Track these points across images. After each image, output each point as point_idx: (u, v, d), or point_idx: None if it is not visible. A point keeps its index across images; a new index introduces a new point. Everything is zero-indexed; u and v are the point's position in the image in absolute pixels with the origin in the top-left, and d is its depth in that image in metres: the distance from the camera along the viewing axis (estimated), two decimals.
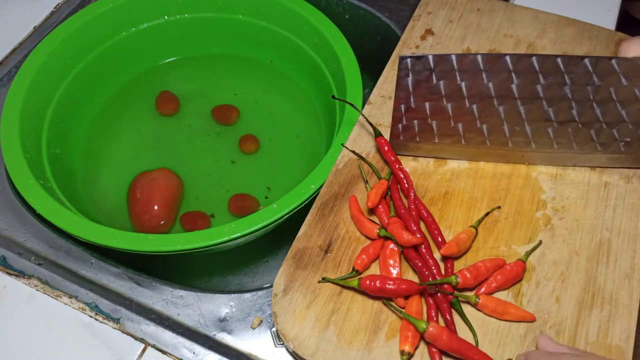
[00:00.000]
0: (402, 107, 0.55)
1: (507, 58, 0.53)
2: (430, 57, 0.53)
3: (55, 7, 0.79)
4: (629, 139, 0.54)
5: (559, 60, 0.52)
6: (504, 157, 0.57)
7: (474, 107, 0.54)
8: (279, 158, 0.77)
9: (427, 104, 0.55)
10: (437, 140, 0.56)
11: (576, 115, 0.53)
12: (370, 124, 0.57)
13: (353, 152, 0.59)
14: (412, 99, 0.55)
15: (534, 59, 0.52)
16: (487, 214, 0.53)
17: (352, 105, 0.61)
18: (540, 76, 0.52)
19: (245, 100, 0.82)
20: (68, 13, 0.78)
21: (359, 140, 0.60)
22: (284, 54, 0.81)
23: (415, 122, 0.56)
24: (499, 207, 0.54)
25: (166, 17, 0.80)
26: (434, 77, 0.54)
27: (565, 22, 0.68)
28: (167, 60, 0.85)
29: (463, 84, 0.54)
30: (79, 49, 0.74)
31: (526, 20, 0.68)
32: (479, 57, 0.53)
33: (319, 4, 0.79)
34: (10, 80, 0.70)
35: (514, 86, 0.53)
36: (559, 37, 0.66)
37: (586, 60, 0.51)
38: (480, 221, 0.53)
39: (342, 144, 0.60)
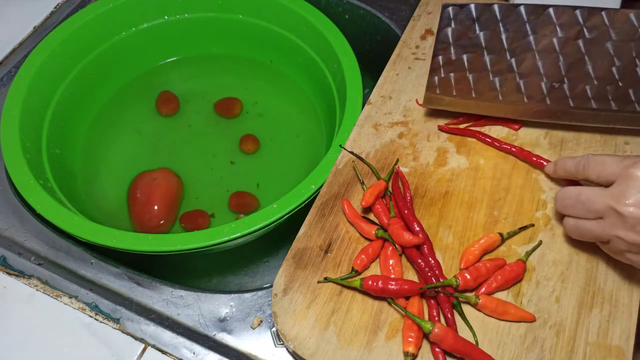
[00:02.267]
0: (440, 59, 0.54)
1: (551, 10, 0.51)
2: (473, 6, 0.52)
3: (55, 7, 0.79)
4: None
5: (603, 13, 0.50)
6: (539, 114, 0.56)
7: (513, 60, 0.53)
8: (279, 158, 0.77)
9: (465, 57, 0.54)
10: (474, 95, 0.55)
11: (616, 73, 0.52)
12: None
13: (352, 152, 0.59)
14: (452, 50, 0.53)
15: (577, 11, 0.50)
16: (522, 229, 0.52)
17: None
18: (585, 30, 0.50)
19: (245, 100, 0.82)
20: (68, 13, 0.78)
21: (359, 141, 0.60)
22: (284, 54, 0.81)
23: (452, 75, 0.54)
24: (533, 225, 0.53)
25: (166, 17, 0.80)
26: (477, 27, 0.52)
27: None
28: (167, 60, 0.85)
29: (504, 36, 0.52)
30: (79, 49, 0.74)
31: None
32: (522, 8, 0.51)
33: (319, 4, 0.79)
34: (10, 80, 0.70)
35: (555, 40, 0.51)
36: None
37: (632, 15, 0.49)
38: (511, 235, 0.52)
39: (341, 146, 0.60)
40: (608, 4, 0.53)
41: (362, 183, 0.56)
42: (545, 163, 0.55)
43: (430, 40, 0.67)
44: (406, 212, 0.52)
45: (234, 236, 0.55)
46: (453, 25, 0.52)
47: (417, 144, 0.59)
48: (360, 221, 0.53)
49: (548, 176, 0.56)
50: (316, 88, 0.79)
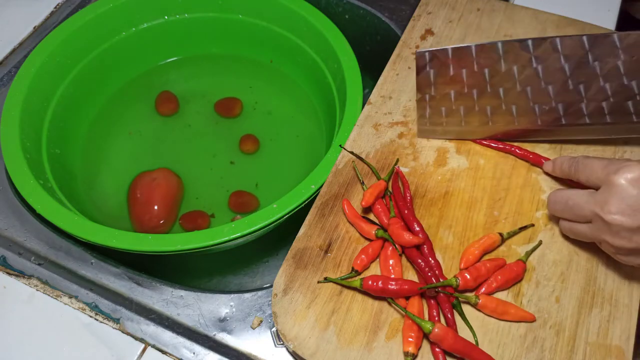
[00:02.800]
0: (426, 97, 0.56)
1: (529, 42, 0.51)
2: (449, 51, 0.52)
3: (55, 7, 0.79)
4: None
5: (584, 38, 0.50)
6: (533, 134, 0.57)
7: (500, 90, 0.54)
8: (279, 158, 0.77)
9: (451, 92, 0.55)
10: (463, 125, 0.57)
11: (608, 89, 0.52)
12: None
13: (352, 152, 0.59)
14: (433, 90, 0.55)
15: (557, 39, 0.50)
16: (522, 229, 0.53)
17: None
18: (562, 57, 0.51)
19: (245, 100, 0.82)
20: (68, 13, 0.78)
21: (359, 141, 0.60)
22: (284, 54, 0.81)
23: (443, 108, 0.56)
24: (533, 225, 0.53)
25: (166, 17, 0.80)
26: (452, 69, 0.53)
27: (565, 22, 0.68)
28: (167, 60, 0.85)
29: (486, 71, 0.53)
30: (79, 49, 0.74)
31: (526, 20, 0.68)
32: (499, 44, 0.52)
33: (319, 4, 0.79)
34: (10, 80, 0.70)
35: (538, 68, 0.52)
36: None
37: (615, 37, 0.49)
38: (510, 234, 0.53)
39: (341, 146, 0.60)
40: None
41: (362, 183, 0.56)
42: (543, 161, 0.56)
43: (431, 40, 0.67)
44: (406, 212, 0.52)
45: (234, 236, 0.55)
46: (429, 68, 0.54)
47: (417, 144, 0.59)
48: (360, 221, 0.53)
49: (548, 176, 0.56)
50: (316, 88, 0.79)
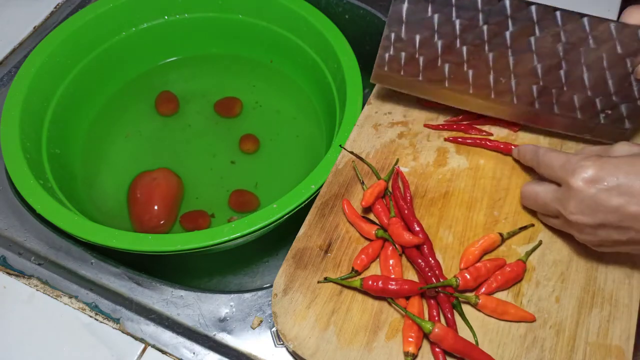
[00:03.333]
0: (392, 35, 0.54)
1: (507, 2, 0.50)
2: None
3: (55, 7, 0.79)
4: (610, 112, 0.52)
5: (557, 13, 0.49)
6: (484, 108, 0.56)
7: (464, 48, 0.53)
8: (279, 158, 0.77)
9: (417, 37, 0.53)
10: (421, 78, 0.55)
11: (563, 76, 0.52)
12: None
13: (352, 152, 0.59)
14: (403, 29, 0.53)
15: (533, 7, 0.49)
16: (522, 229, 0.53)
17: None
18: (537, 27, 0.50)
19: (245, 100, 0.82)
20: (68, 13, 0.78)
21: (359, 141, 0.60)
22: (284, 54, 0.81)
23: (403, 54, 0.54)
24: (533, 225, 0.53)
25: (166, 17, 0.80)
26: (430, 9, 0.52)
27: None
28: (167, 60, 0.85)
29: (457, 22, 0.52)
30: (79, 49, 0.74)
31: None
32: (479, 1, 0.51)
33: (319, 4, 0.79)
34: (10, 80, 0.70)
35: (507, 34, 0.51)
36: None
37: (585, 20, 0.49)
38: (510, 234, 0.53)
39: (341, 146, 0.60)
40: (607, 7, 0.52)
41: (362, 183, 0.56)
42: (512, 147, 0.56)
43: None
44: (406, 212, 0.52)
45: (234, 236, 0.55)
46: (407, 2, 0.52)
47: (417, 144, 0.59)
48: (360, 221, 0.53)
49: None
50: (316, 88, 0.79)
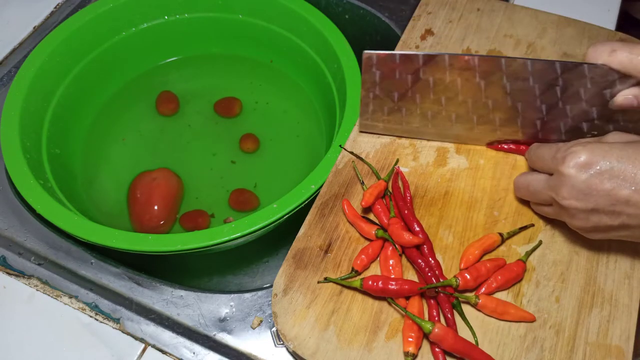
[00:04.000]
0: (370, 95, 0.55)
1: (475, 59, 0.51)
2: (397, 56, 0.52)
3: (55, 7, 0.79)
4: (596, 133, 0.53)
5: (528, 62, 0.50)
6: (471, 140, 0.58)
7: (442, 98, 0.54)
8: (279, 158, 0.77)
9: (394, 93, 0.55)
10: (404, 125, 0.58)
11: (544, 110, 0.53)
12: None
13: (351, 153, 0.59)
14: (377, 89, 0.55)
15: (502, 60, 0.51)
16: (522, 229, 0.53)
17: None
18: (504, 77, 0.51)
19: (245, 100, 0.82)
20: (68, 13, 0.78)
21: (359, 141, 0.60)
22: (284, 54, 0.81)
23: (385, 108, 0.56)
24: (533, 225, 0.53)
25: (166, 17, 0.80)
26: (398, 73, 0.53)
27: (565, 22, 0.68)
28: (167, 60, 0.85)
29: (430, 79, 0.53)
30: (79, 49, 0.74)
31: (526, 20, 0.68)
32: (446, 57, 0.52)
33: (319, 4, 0.79)
34: (10, 80, 0.70)
35: (481, 82, 0.52)
36: (559, 37, 0.66)
37: (557, 65, 0.50)
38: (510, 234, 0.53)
39: (341, 146, 0.60)
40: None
41: (362, 183, 0.56)
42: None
43: (430, 40, 0.67)
44: (406, 212, 0.52)
45: (234, 236, 0.55)
46: (376, 69, 0.53)
47: (417, 144, 0.59)
48: (360, 221, 0.53)
49: None
50: (316, 88, 0.79)
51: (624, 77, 0.48)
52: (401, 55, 0.52)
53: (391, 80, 0.54)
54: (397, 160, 0.58)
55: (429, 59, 0.52)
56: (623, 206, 0.43)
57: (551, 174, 0.48)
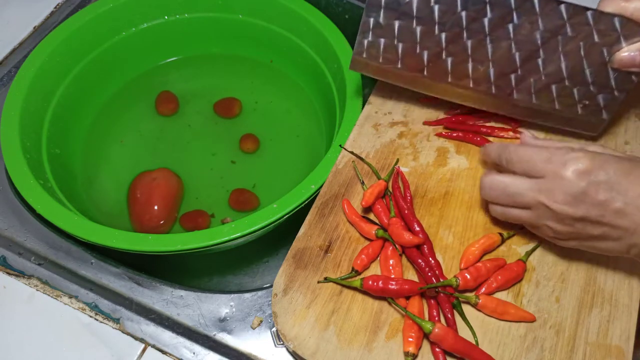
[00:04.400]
0: (371, 21, 0.53)
1: None
2: None
3: (55, 7, 0.79)
4: (587, 102, 0.52)
5: (536, 0, 0.49)
6: (463, 97, 0.56)
7: (442, 35, 0.52)
8: (279, 158, 0.77)
9: (396, 23, 0.52)
10: (399, 66, 0.55)
11: (541, 64, 0.51)
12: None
13: (352, 152, 0.59)
14: (382, 14, 0.52)
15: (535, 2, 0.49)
16: (522, 229, 0.52)
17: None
18: (515, 14, 0.49)
19: (245, 100, 0.82)
20: (68, 13, 0.78)
21: (359, 141, 0.60)
22: (284, 54, 0.81)
23: (381, 40, 0.54)
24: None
25: (166, 17, 0.80)
26: None
27: None
28: (167, 60, 0.85)
29: (436, 7, 0.51)
30: (79, 49, 0.74)
31: None
32: None
33: (319, 4, 0.79)
34: (10, 80, 0.70)
35: (485, 20, 0.51)
36: None
37: (562, 7, 0.48)
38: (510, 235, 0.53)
39: (341, 145, 0.60)
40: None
41: (362, 183, 0.56)
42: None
43: None
44: (406, 212, 0.52)
45: (234, 236, 0.55)
46: None
47: (417, 144, 0.59)
48: (360, 221, 0.53)
49: None
50: (316, 88, 0.79)
51: (629, 33, 0.46)
52: None
53: (398, 3, 0.51)
54: (397, 160, 0.58)
55: None
56: (612, 217, 0.43)
57: (535, 177, 0.46)
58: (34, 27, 0.76)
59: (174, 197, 0.71)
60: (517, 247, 0.52)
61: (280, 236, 0.65)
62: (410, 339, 0.46)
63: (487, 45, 0.52)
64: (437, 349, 0.46)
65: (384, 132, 0.60)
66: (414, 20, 0.52)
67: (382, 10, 0.52)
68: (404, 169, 0.57)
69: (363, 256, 0.51)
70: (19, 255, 0.57)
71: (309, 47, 0.77)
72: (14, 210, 0.61)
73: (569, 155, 0.44)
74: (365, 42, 0.54)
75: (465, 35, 0.52)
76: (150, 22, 0.79)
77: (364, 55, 0.55)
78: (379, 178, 0.56)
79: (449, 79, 0.55)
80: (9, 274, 0.56)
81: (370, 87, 0.66)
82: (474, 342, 0.46)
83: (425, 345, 0.47)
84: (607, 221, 0.43)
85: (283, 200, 0.57)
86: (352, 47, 0.70)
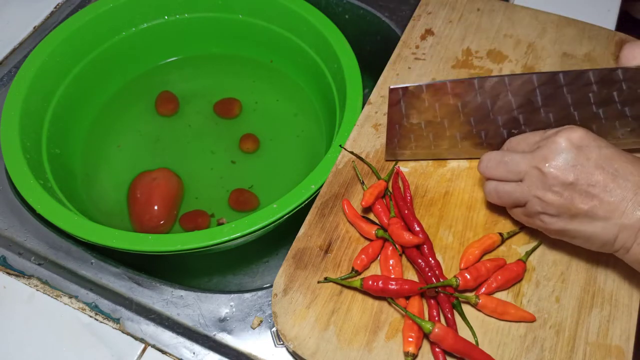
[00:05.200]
0: (397, 127, 0.55)
1: (506, 79, 0.51)
2: (424, 87, 0.52)
3: (55, 7, 0.79)
4: (629, 129, 0.53)
5: (560, 76, 0.50)
6: None
7: (471, 119, 0.54)
8: (279, 158, 0.77)
9: (422, 122, 0.55)
10: (433, 148, 0.57)
11: (577, 117, 0.53)
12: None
13: (352, 152, 0.59)
14: (405, 120, 0.54)
15: (534, 77, 0.50)
16: (522, 229, 0.53)
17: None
18: (538, 91, 0.51)
19: (245, 100, 0.82)
20: (68, 13, 0.78)
21: (359, 141, 0.60)
22: (284, 54, 0.81)
23: (412, 135, 0.56)
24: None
25: (166, 17, 0.80)
26: (427, 101, 0.53)
27: (565, 22, 0.68)
28: (167, 60, 0.85)
29: (459, 104, 0.53)
30: (79, 49, 0.74)
31: (526, 20, 0.68)
32: (476, 81, 0.51)
33: (319, 4, 0.79)
34: (10, 80, 0.70)
35: (511, 100, 0.52)
36: (559, 37, 0.66)
37: (590, 74, 0.50)
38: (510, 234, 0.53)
39: (341, 146, 0.60)
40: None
41: (362, 183, 0.56)
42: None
43: (431, 40, 0.67)
44: (406, 212, 0.52)
45: (234, 236, 0.55)
46: (402, 102, 0.53)
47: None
48: (360, 221, 0.53)
49: None
50: (316, 88, 0.79)
51: None
52: (427, 85, 0.52)
53: (419, 109, 0.53)
54: (397, 161, 0.58)
55: (456, 84, 0.51)
56: (601, 189, 0.44)
57: (531, 151, 0.47)
58: (34, 27, 0.76)
59: (174, 197, 0.71)
60: (517, 247, 0.52)
61: (280, 236, 0.65)
62: (410, 339, 0.46)
63: (517, 116, 0.53)
64: (437, 349, 0.46)
65: (384, 132, 0.60)
66: (438, 117, 0.54)
67: (404, 119, 0.54)
68: (404, 169, 0.57)
69: (363, 256, 0.51)
70: (19, 255, 0.57)
71: (309, 47, 0.77)
72: (14, 210, 0.61)
73: (564, 127, 0.47)
74: (396, 140, 0.56)
75: (491, 114, 0.53)
76: (150, 22, 0.79)
77: (397, 149, 0.57)
78: (379, 178, 0.56)
79: (484, 146, 0.56)
80: (9, 274, 0.56)
81: (370, 87, 0.66)
82: (474, 342, 0.46)
83: (425, 345, 0.47)
84: (596, 192, 0.44)
85: (283, 200, 0.57)
86: (352, 47, 0.70)
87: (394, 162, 0.58)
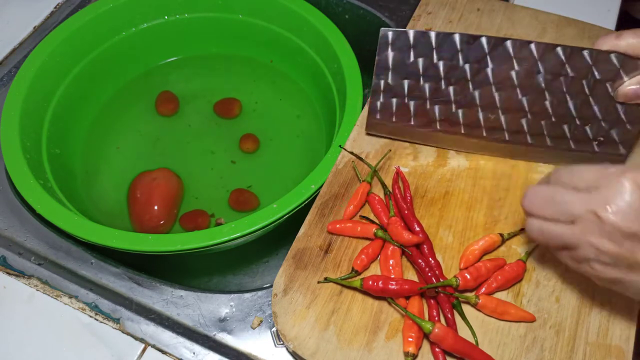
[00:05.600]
0: (381, 83, 0.55)
1: (483, 40, 0.51)
2: (411, 33, 0.52)
3: (55, 7, 0.79)
4: (602, 139, 0.53)
5: (532, 46, 0.50)
6: (478, 147, 0.57)
7: (450, 89, 0.53)
8: (279, 158, 0.77)
9: (405, 82, 0.54)
10: (412, 122, 0.56)
11: (549, 107, 0.52)
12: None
13: (351, 153, 0.59)
14: (390, 75, 0.54)
15: (508, 42, 0.50)
16: (522, 229, 0.52)
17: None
18: (514, 61, 0.50)
19: (245, 100, 0.82)
20: (68, 13, 0.78)
21: (359, 140, 0.60)
22: (284, 54, 0.81)
23: (393, 100, 0.55)
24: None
25: (166, 17, 0.80)
26: (412, 54, 0.52)
27: (565, 22, 0.68)
28: (167, 60, 0.85)
29: (441, 64, 0.52)
30: (79, 49, 0.74)
31: (526, 20, 0.68)
32: (457, 36, 0.51)
33: (319, 4, 0.79)
34: (10, 80, 0.70)
35: (489, 70, 0.52)
36: (559, 37, 0.66)
37: (559, 49, 0.49)
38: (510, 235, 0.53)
39: (341, 146, 0.60)
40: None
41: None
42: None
43: None
44: (406, 212, 0.52)
45: (234, 236, 0.55)
46: (391, 50, 0.53)
47: (418, 145, 0.59)
48: (358, 223, 0.53)
49: None
50: (316, 88, 0.79)
51: (628, 67, 0.47)
52: (415, 32, 0.51)
53: (404, 64, 0.53)
54: (379, 162, 0.58)
55: (445, 37, 0.51)
56: None
57: (587, 190, 0.41)
58: (34, 27, 0.76)
59: (174, 197, 0.71)
60: (517, 247, 0.52)
61: (280, 236, 0.65)
62: (410, 339, 0.46)
63: (494, 93, 0.53)
64: (437, 349, 0.46)
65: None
66: (421, 78, 0.54)
67: (390, 72, 0.54)
68: (403, 169, 0.57)
69: (363, 256, 0.51)
70: (19, 255, 0.57)
71: (309, 47, 0.77)
72: (14, 210, 0.61)
73: (628, 167, 0.40)
74: (378, 103, 0.56)
75: (471, 86, 0.53)
76: (150, 22, 0.79)
77: (378, 117, 0.57)
78: (378, 178, 0.56)
79: (462, 131, 0.56)
80: (9, 274, 0.56)
81: (370, 87, 0.65)
82: (474, 342, 0.46)
83: (425, 345, 0.47)
84: None
85: (283, 200, 0.57)
86: (352, 47, 0.70)
87: (394, 162, 0.58)
